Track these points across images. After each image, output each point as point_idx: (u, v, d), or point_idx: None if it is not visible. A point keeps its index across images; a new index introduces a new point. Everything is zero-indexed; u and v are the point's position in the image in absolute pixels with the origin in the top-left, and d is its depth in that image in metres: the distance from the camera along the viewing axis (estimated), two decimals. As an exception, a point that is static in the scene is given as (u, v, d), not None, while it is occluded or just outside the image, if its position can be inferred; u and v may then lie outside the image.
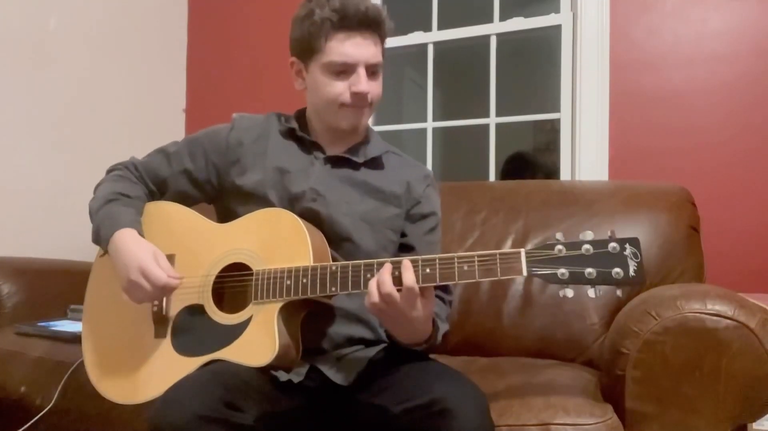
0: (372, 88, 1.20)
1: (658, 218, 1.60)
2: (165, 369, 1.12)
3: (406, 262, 0.99)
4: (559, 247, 0.95)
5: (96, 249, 1.29)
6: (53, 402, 1.51)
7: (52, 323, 1.80)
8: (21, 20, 2.23)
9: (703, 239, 1.64)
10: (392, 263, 1.01)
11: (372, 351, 1.19)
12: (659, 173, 2.05)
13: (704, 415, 1.07)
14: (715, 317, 1.05)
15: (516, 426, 1.08)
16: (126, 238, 1.15)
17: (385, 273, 0.99)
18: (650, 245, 1.55)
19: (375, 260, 1.04)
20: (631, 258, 0.93)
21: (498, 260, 0.97)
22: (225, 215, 1.25)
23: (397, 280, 0.99)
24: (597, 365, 1.44)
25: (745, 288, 1.55)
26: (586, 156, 2.18)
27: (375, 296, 0.99)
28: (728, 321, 1.05)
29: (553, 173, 2.51)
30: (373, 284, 1.00)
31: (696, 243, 1.62)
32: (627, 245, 0.93)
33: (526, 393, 1.17)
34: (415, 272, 0.99)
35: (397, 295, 0.98)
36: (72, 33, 2.40)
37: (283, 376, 1.09)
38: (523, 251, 0.96)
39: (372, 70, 1.19)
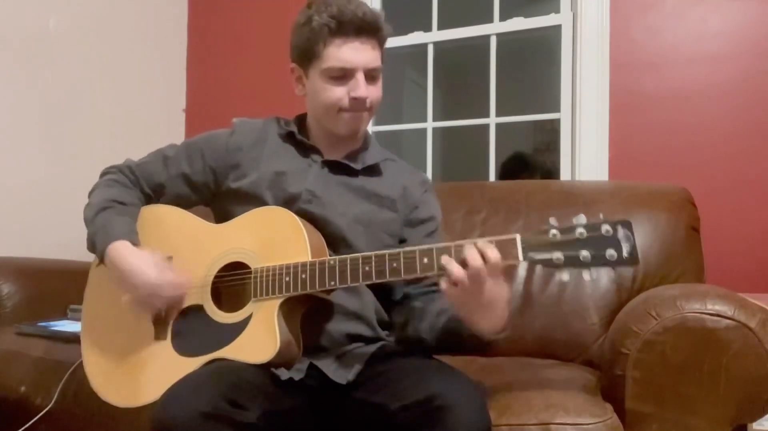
0: (371, 92, 1.20)
1: (658, 218, 1.60)
2: (166, 370, 1.12)
3: (481, 243, 0.96)
4: (554, 232, 0.96)
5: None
6: (53, 402, 1.51)
7: (52, 323, 1.79)
8: (21, 20, 2.23)
9: (703, 239, 1.64)
10: (454, 246, 0.98)
11: (371, 349, 1.19)
12: (659, 173, 2.05)
13: (704, 415, 1.07)
14: (715, 317, 1.05)
15: (516, 426, 1.08)
16: (122, 252, 1.15)
17: (473, 250, 0.96)
18: (650, 246, 1.55)
19: (373, 253, 1.04)
20: (624, 240, 0.93)
21: (495, 247, 0.97)
22: (222, 217, 1.25)
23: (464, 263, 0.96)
24: (597, 365, 1.44)
25: (745, 288, 1.55)
26: (586, 156, 2.17)
27: (461, 273, 0.95)
28: (728, 321, 1.05)
29: (552, 173, 2.52)
30: (452, 261, 0.96)
31: (696, 243, 1.62)
32: (619, 227, 0.94)
33: (526, 393, 1.17)
34: (412, 261, 1.00)
35: (485, 270, 0.95)
36: (72, 33, 2.40)
37: (284, 374, 1.09)
38: (518, 236, 0.97)
39: (371, 75, 1.20)
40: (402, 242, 1.28)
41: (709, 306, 1.06)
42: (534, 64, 2.92)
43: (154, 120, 2.74)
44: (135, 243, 1.17)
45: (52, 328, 1.74)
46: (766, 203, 1.95)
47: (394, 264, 1.01)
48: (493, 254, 0.96)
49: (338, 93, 1.18)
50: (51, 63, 2.33)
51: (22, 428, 1.52)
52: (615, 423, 1.08)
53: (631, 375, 1.09)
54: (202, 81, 2.90)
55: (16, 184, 2.21)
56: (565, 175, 2.26)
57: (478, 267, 0.95)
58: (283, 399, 1.06)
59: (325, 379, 1.11)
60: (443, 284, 0.99)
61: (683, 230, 1.60)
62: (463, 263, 0.96)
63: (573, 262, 0.95)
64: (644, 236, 1.56)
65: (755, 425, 1.44)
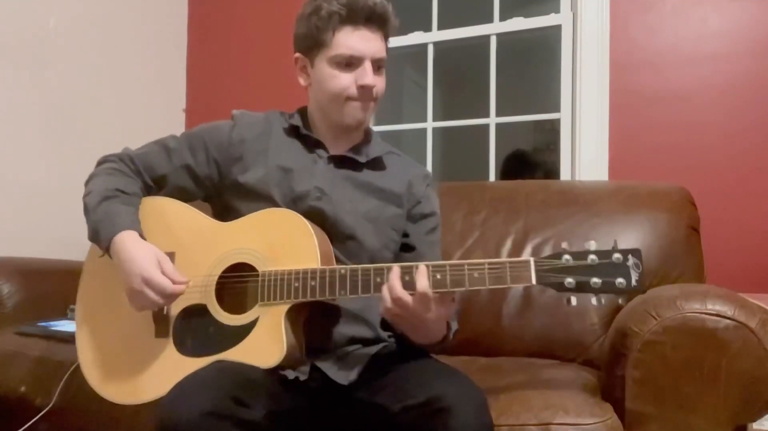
0: (377, 82, 1.20)
1: (658, 218, 1.60)
2: (168, 369, 1.12)
3: (422, 267, 1.01)
4: (566, 257, 0.99)
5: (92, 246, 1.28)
6: (53, 402, 1.51)
7: (52, 323, 1.79)
8: (21, 20, 2.23)
9: (703, 239, 1.64)
10: (403, 267, 1.02)
11: (372, 350, 1.19)
12: (659, 173, 2.05)
13: (704, 415, 1.07)
14: (715, 317, 1.05)
15: (516, 426, 1.08)
16: (127, 242, 1.13)
17: (394, 278, 1.01)
18: (650, 246, 1.55)
19: (385, 265, 1.04)
20: (634, 269, 0.97)
21: (508, 269, 0.99)
22: (223, 212, 1.24)
23: (410, 284, 1.00)
24: (597, 365, 1.44)
25: (745, 288, 1.55)
26: (586, 156, 2.17)
27: (388, 301, 1.01)
28: (728, 321, 1.05)
29: (553, 172, 2.52)
30: (385, 289, 1.02)
31: (696, 243, 1.62)
32: (630, 257, 0.97)
33: (526, 393, 1.17)
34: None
35: (408, 299, 0.99)
36: (72, 33, 2.40)
37: (290, 374, 1.09)
38: (532, 260, 0.99)
39: (377, 65, 1.20)
40: (405, 236, 1.29)
41: (709, 306, 1.06)
42: (534, 64, 2.92)
43: (154, 120, 2.74)
44: (141, 235, 1.16)
45: (52, 328, 1.74)
46: (766, 203, 1.95)
47: (407, 278, 1.01)
48: (422, 284, 0.99)
49: (345, 81, 1.19)
50: (51, 63, 2.33)
51: (22, 428, 1.52)
52: (615, 423, 1.08)
53: (631, 375, 1.09)
54: (202, 81, 2.90)
55: (17, 184, 2.21)
56: (565, 175, 2.26)
57: (399, 296, 0.99)
58: (286, 398, 1.06)
59: (327, 380, 1.11)
60: (381, 306, 1.04)
61: (683, 230, 1.60)
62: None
63: (583, 287, 0.98)
64: (644, 236, 1.56)
65: (755, 425, 1.44)
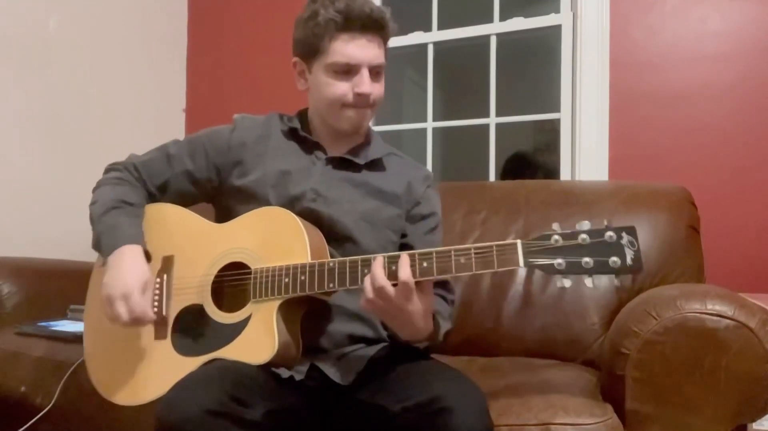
0: (374, 89, 1.20)
1: (658, 218, 1.60)
2: (166, 369, 1.12)
3: (404, 256, 0.99)
4: (556, 237, 0.95)
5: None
6: (53, 402, 1.51)
7: (52, 323, 1.80)
8: (21, 20, 2.23)
9: (703, 239, 1.64)
10: (388, 257, 1.01)
11: (372, 350, 1.19)
12: (659, 173, 2.05)
13: (704, 415, 1.07)
14: (715, 317, 1.05)
15: (516, 426, 1.08)
16: (127, 256, 1.14)
17: (377, 267, 0.99)
18: (650, 246, 1.55)
19: (372, 256, 1.04)
20: (628, 247, 0.92)
21: (495, 252, 0.97)
22: (224, 215, 1.25)
23: (394, 275, 0.99)
24: (597, 365, 1.44)
25: (745, 288, 1.55)
26: (586, 156, 2.18)
27: (369, 292, 0.99)
28: (728, 321, 1.05)
29: (553, 173, 2.52)
30: (367, 280, 1.00)
31: (696, 243, 1.62)
32: (623, 234, 0.93)
33: (526, 393, 1.17)
34: (413, 266, 0.99)
35: (391, 289, 0.98)
36: (72, 33, 2.40)
37: (284, 373, 1.09)
38: (519, 242, 0.96)
39: (375, 72, 1.20)
40: (403, 236, 1.28)
41: (709, 306, 1.06)
42: (534, 64, 2.92)
43: (154, 120, 2.74)
44: (144, 248, 1.17)
45: (52, 328, 1.74)
46: (766, 203, 1.95)
47: (393, 268, 1.00)
48: (404, 272, 0.97)
49: (342, 88, 1.19)
50: (51, 63, 2.33)
51: (22, 428, 1.52)
52: (615, 424, 1.08)
53: (631, 375, 1.09)
54: (202, 81, 2.90)
55: (16, 184, 2.21)
56: (565, 175, 2.26)
57: (381, 285, 0.98)
58: (285, 397, 1.06)
59: (326, 380, 1.11)
60: (361, 298, 1.02)
61: (683, 230, 1.60)
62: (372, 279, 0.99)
63: (575, 268, 0.94)
64: (644, 236, 1.55)
65: (755, 425, 1.44)
